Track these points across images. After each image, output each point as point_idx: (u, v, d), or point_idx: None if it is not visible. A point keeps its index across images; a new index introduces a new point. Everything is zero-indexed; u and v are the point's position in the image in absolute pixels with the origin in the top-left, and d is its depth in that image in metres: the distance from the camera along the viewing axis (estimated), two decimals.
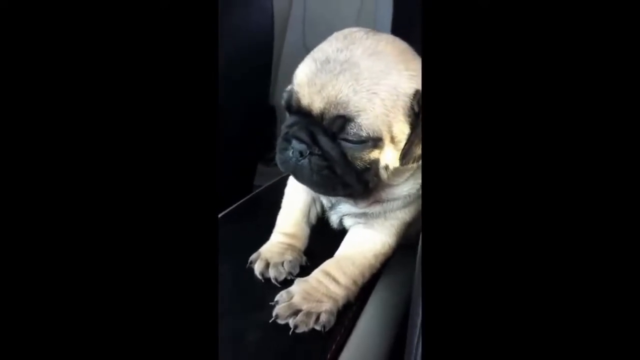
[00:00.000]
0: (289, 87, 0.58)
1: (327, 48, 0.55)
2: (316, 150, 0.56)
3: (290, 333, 0.57)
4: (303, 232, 0.72)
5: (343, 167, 0.56)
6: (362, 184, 0.59)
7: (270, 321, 0.58)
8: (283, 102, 0.59)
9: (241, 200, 0.90)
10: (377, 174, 0.58)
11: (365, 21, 1.40)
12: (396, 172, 0.61)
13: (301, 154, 0.56)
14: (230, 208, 0.86)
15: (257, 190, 0.97)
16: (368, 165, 0.57)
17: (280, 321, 0.58)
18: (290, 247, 0.69)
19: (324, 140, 0.55)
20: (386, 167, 0.58)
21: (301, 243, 0.71)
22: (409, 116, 0.55)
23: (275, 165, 1.37)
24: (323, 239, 0.72)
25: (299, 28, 1.46)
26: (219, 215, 0.83)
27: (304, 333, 0.58)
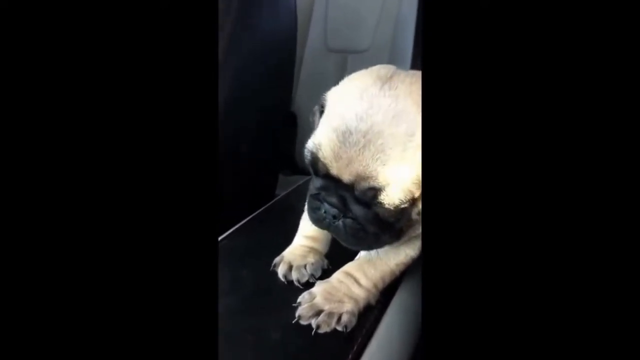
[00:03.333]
0: (310, 145, 0.59)
1: (345, 115, 0.55)
2: (349, 214, 0.59)
3: (312, 333, 0.62)
4: (325, 235, 0.76)
5: (376, 227, 0.59)
6: (396, 235, 0.62)
7: (293, 322, 0.63)
8: (307, 162, 0.61)
9: (263, 207, 0.96)
10: (409, 220, 0.61)
11: (387, 25, 1.45)
12: None
13: (334, 217, 0.60)
14: (252, 215, 0.93)
15: (278, 197, 1.04)
16: (400, 216, 0.59)
17: (303, 322, 0.63)
18: (313, 250, 0.75)
19: (356, 207, 0.58)
20: (419, 212, 0.60)
21: (323, 246, 0.76)
22: None
23: (297, 174, 1.41)
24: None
25: (321, 30, 1.52)
26: (242, 223, 0.90)
27: (325, 333, 0.63)
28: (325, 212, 0.61)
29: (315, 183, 0.62)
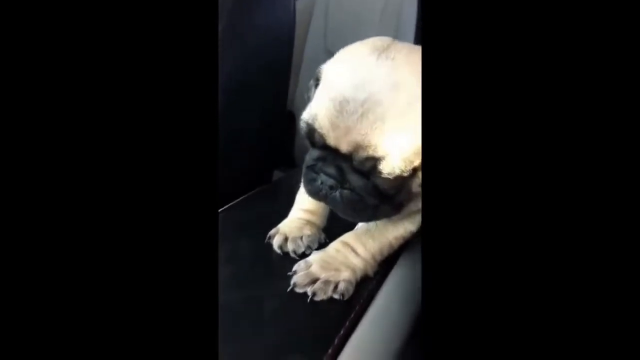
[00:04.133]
0: (306, 116, 0.58)
1: (342, 84, 0.54)
2: (347, 185, 0.57)
3: (308, 301, 0.61)
4: (322, 209, 0.75)
5: (375, 198, 0.58)
6: (396, 207, 0.61)
7: (288, 290, 0.62)
8: (303, 133, 0.59)
9: (260, 187, 0.96)
10: (410, 193, 0.59)
11: (387, 31, 1.47)
12: None
13: (331, 187, 0.59)
14: (250, 193, 0.92)
15: (277, 178, 1.04)
16: (400, 188, 0.58)
17: (299, 289, 0.62)
18: (309, 223, 0.73)
19: (353, 178, 0.56)
20: (420, 184, 0.58)
21: (320, 220, 0.75)
22: None
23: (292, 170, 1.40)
24: (342, 218, 0.77)
25: (320, 32, 1.54)
26: (238, 200, 0.89)
27: (322, 302, 0.62)
28: (322, 183, 0.59)
29: (312, 154, 0.60)
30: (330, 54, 1.60)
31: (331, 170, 0.58)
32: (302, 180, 0.64)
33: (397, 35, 1.45)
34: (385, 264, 0.69)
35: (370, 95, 0.52)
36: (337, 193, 0.59)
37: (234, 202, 0.86)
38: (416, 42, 1.39)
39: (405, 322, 0.65)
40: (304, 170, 0.63)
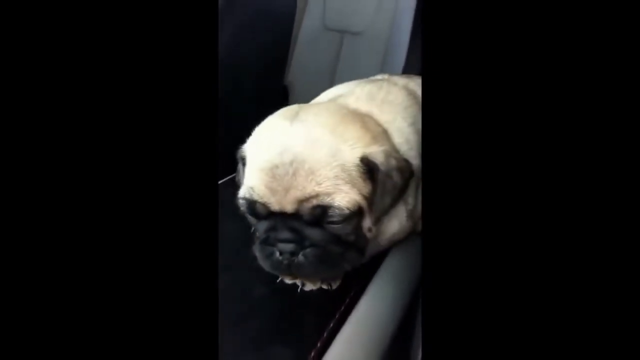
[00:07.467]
0: (243, 192, 0.58)
1: (266, 154, 0.56)
2: (307, 243, 0.56)
3: (298, 291, 0.59)
4: None
5: (338, 246, 0.57)
6: (360, 252, 0.60)
7: (277, 281, 0.60)
8: (244, 211, 0.59)
9: None
10: (365, 238, 0.60)
11: (386, 11, 1.41)
12: (378, 227, 0.62)
13: (292, 253, 0.56)
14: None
15: None
16: (355, 231, 0.58)
17: (288, 281, 0.60)
18: None
19: (310, 231, 0.56)
20: (369, 229, 0.59)
21: None
22: (368, 178, 0.56)
23: None
24: None
25: (320, 7, 1.48)
26: (226, 179, 0.85)
27: (311, 292, 0.60)
28: (281, 254, 0.56)
29: (260, 228, 0.58)
30: (327, 29, 1.54)
31: (286, 234, 0.56)
32: (259, 258, 0.60)
33: (395, 20, 1.40)
34: (375, 257, 0.66)
35: (295, 156, 0.54)
36: (300, 256, 0.56)
37: (220, 181, 0.82)
38: (413, 29, 1.35)
39: (394, 318, 0.62)
40: (257, 247, 0.59)
